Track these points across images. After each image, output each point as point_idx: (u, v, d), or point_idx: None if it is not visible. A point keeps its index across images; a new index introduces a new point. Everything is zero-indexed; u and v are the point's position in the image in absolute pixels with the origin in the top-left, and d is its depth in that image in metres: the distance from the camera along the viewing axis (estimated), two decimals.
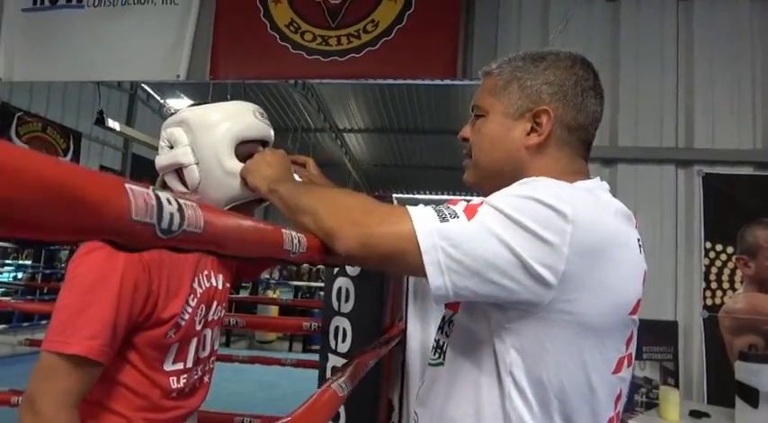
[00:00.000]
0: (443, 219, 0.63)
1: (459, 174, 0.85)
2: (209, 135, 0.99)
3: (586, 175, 0.77)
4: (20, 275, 7.76)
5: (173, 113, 1.07)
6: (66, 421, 0.81)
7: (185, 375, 1.01)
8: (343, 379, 0.85)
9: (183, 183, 1.02)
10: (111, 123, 4.81)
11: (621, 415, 0.77)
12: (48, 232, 0.27)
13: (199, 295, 1.01)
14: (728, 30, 2.34)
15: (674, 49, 2.38)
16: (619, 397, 0.73)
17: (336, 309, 1.40)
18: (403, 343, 1.34)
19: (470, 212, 0.63)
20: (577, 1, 2.44)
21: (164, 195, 0.34)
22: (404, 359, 1.33)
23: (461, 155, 0.84)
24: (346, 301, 1.38)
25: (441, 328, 0.82)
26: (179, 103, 8.13)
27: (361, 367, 0.96)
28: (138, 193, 0.31)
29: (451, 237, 0.62)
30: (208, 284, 1.05)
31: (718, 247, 2.21)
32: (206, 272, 1.05)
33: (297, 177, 0.99)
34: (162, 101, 8.51)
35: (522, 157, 0.75)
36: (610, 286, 0.66)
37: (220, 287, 1.10)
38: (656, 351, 2.11)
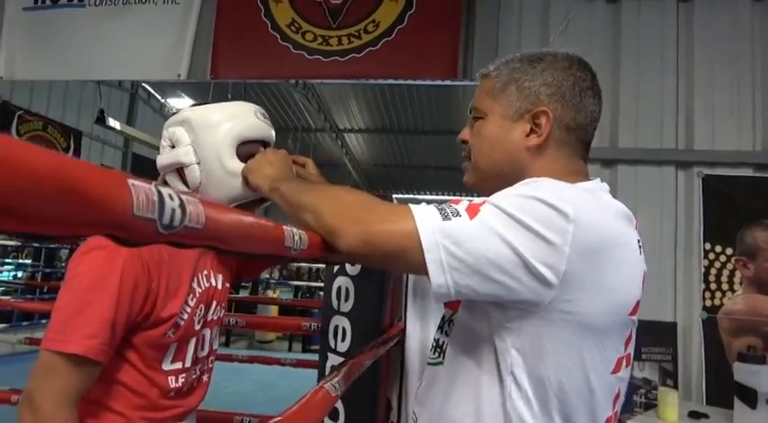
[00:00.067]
0: (446, 217, 0.63)
1: (459, 174, 0.86)
2: (211, 135, 0.99)
3: (586, 176, 0.77)
4: (20, 274, 7.77)
5: (175, 113, 1.07)
6: (65, 420, 0.82)
7: (184, 375, 1.01)
8: (336, 379, 0.85)
9: (184, 182, 1.02)
10: (112, 122, 4.82)
11: (620, 415, 0.77)
12: (50, 226, 0.27)
13: (198, 295, 1.01)
14: (729, 31, 2.34)
15: (675, 51, 2.39)
16: (617, 397, 0.74)
17: (336, 308, 1.40)
18: (402, 342, 1.34)
19: (473, 211, 0.63)
20: (578, 2, 2.44)
21: (165, 191, 0.34)
22: (403, 358, 1.33)
23: (461, 155, 0.84)
24: (346, 300, 1.38)
25: (440, 328, 0.82)
26: (180, 103, 8.14)
27: (357, 367, 0.96)
28: (140, 188, 0.32)
29: (454, 235, 0.62)
30: (207, 284, 1.05)
31: (718, 249, 2.21)
32: (205, 272, 1.05)
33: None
34: (163, 100, 8.51)
35: (522, 159, 0.76)
36: (610, 286, 0.66)
37: (220, 287, 1.10)
38: (655, 352, 2.11)
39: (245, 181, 0.98)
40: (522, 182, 0.69)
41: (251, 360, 3.24)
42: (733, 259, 2.19)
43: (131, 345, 0.93)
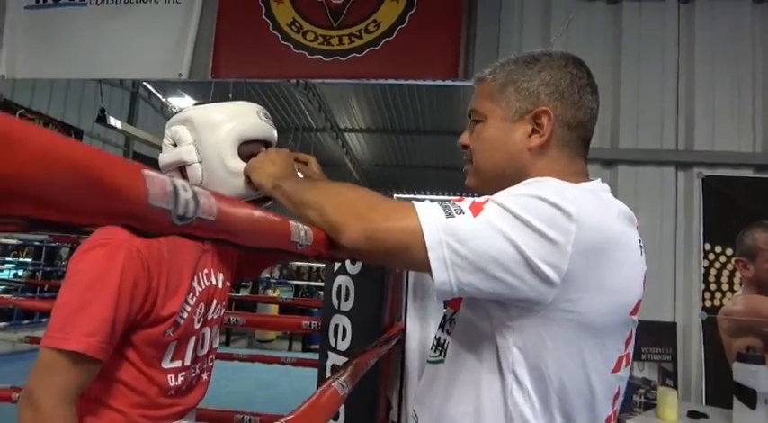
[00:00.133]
0: (449, 215, 0.63)
1: (459, 174, 0.86)
2: (213, 134, 1.00)
3: (586, 176, 0.78)
4: (20, 273, 7.78)
5: (177, 112, 1.07)
6: (64, 417, 0.82)
7: (183, 373, 1.02)
8: (343, 378, 0.85)
9: (186, 181, 1.03)
10: (113, 121, 4.82)
11: (619, 414, 0.78)
12: (67, 213, 0.27)
13: (198, 294, 1.01)
14: (729, 33, 2.35)
15: (675, 52, 2.39)
16: (617, 396, 0.74)
17: (336, 307, 1.40)
18: (402, 341, 1.35)
19: (476, 209, 0.64)
20: (579, 3, 2.45)
21: (179, 182, 0.34)
22: (403, 358, 1.33)
23: (462, 155, 0.84)
24: (346, 299, 1.38)
25: (442, 326, 0.83)
26: (181, 102, 8.14)
27: (362, 366, 0.96)
28: (154, 178, 0.32)
29: (457, 233, 0.62)
30: (207, 283, 1.05)
31: (718, 249, 2.21)
32: (206, 270, 1.06)
33: (299, 175, 0.99)
34: (164, 99, 8.52)
35: (525, 160, 0.76)
36: (612, 286, 0.66)
37: (220, 286, 1.11)
38: (654, 352, 2.11)
39: (248, 180, 0.98)
40: (526, 181, 0.69)
41: (251, 359, 3.24)
42: (733, 260, 2.19)
43: (131, 343, 0.93)
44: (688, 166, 2.31)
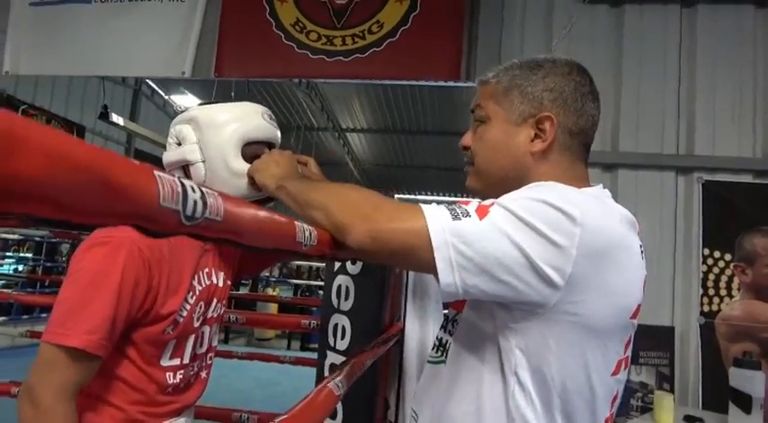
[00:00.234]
0: (456, 217, 0.64)
1: (461, 175, 0.86)
2: (217, 135, 1.01)
3: (587, 181, 0.78)
4: (20, 268, 7.78)
5: (183, 111, 1.08)
6: (64, 412, 0.83)
7: (182, 371, 1.02)
8: (339, 378, 0.86)
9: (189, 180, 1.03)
10: (115, 118, 4.83)
11: (616, 418, 0.78)
12: (82, 215, 0.27)
13: (198, 293, 1.02)
14: (731, 37, 2.35)
15: (677, 56, 2.39)
16: (615, 398, 0.75)
17: (336, 306, 1.41)
18: (401, 342, 1.35)
19: (482, 212, 0.64)
20: (581, 6, 2.45)
21: (188, 183, 0.35)
22: (401, 358, 1.34)
23: (463, 156, 0.85)
24: (346, 298, 1.39)
25: (444, 327, 0.83)
26: (183, 100, 8.15)
27: (358, 367, 0.97)
28: (165, 180, 0.32)
29: (463, 235, 0.63)
30: (208, 282, 1.06)
31: (717, 254, 2.22)
32: (207, 269, 1.06)
33: None
34: (166, 97, 8.52)
35: (527, 164, 0.77)
36: (614, 290, 0.67)
37: (221, 284, 1.11)
38: (652, 356, 2.12)
39: (252, 180, 0.99)
40: (530, 185, 0.70)
41: (250, 357, 3.24)
42: (731, 265, 2.20)
43: (131, 340, 0.94)
44: (688, 171, 2.31)
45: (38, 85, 6.33)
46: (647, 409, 2.01)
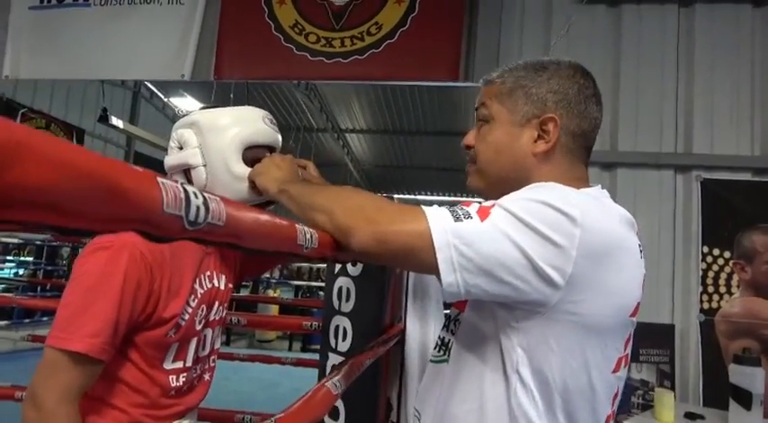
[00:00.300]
0: (457, 219, 0.65)
1: (460, 175, 0.87)
2: (218, 138, 1.01)
3: (587, 182, 0.79)
4: (21, 272, 7.79)
5: (184, 115, 1.09)
6: (67, 415, 0.83)
7: (184, 374, 1.03)
8: (337, 378, 0.86)
9: (190, 183, 1.04)
10: (115, 121, 4.83)
11: (617, 415, 0.79)
12: (88, 221, 0.28)
13: (200, 296, 1.02)
14: (729, 37, 2.36)
15: (675, 56, 2.40)
16: (615, 396, 0.76)
17: (337, 308, 1.41)
18: (402, 342, 1.36)
19: (483, 214, 0.65)
20: (579, 7, 2.46)
21: (190, 189, 0.36)
22: (402, 358, 1.34)
23: (463, 156, 0.85)
24: (347, 300, 1.39)
25: (446, 326, 0.84)
26: (182, 102, 8.16)
27: (357, 366, 0.97)
28: (169, 186, 0.33)
29: (465, 236, 0.63)
30: (210, 285, 1.06)
31: (716, 252, 2.23)
32: (208, 272, 1.07)
33: None
34: (165, 99, 8.53)
35: (529, 164, 0.77)
36: (613, 289, 0.68)
37: (222, 287, 1.12)
38: (652, 354, 2.13)
39: (252, 184, 0.99)
40: (530, 186, 0.71)
41: (251, 359, 3.25)
42: (731, 262, 2.20)
43: (133, 344, 0.94)
44: (687, 169, 2.32)
45: (37, 88, 6.33)
46: (647, 406, 2.02)
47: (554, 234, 0.62)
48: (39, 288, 7.03)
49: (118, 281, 0.87)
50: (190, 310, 1.00)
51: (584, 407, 0.70)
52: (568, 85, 0.78)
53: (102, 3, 2.86)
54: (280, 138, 1.10)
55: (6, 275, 7.46)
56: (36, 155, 0.24)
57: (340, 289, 1.42)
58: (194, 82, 2.80)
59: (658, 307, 2.22)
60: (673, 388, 2.08)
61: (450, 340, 0.81)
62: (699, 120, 2.34)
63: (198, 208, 0.36)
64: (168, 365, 1.00)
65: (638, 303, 0.74)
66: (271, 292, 9.14)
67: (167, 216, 0.33)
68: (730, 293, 2.19)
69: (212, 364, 1.16)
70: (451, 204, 0.68)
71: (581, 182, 0.77)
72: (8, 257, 7.82)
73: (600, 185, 0.79)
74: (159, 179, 0.33)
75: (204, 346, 1.09)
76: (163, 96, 8.48)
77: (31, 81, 5.59)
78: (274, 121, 1.10)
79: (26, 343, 3.06)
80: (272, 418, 0.66)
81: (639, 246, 0.75)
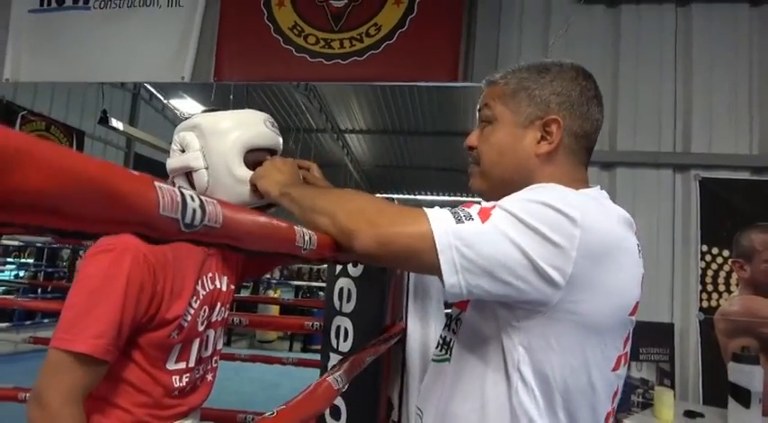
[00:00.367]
0: (459, 220, 0.65)
1: (460, 175, 0.88)
2: (220, 142, 1.02)
3: (587, 183, 0.80)
4: (21, 274, 7.79)
5: (186, 118, 1.10)
6: (71, 415, 0.84)
7: (187, 374, 1.03)
8: (339, 373, 0.87)
9: (192, 186, 1.05)
10: (115, 123, 4.85)
11: (617, 414, 0.80)
12: (86, 224, 0.29)
13: (202, 297, 1.03)
14: (727, 36, 2.37)
15: (673, 55, 2.41)
16: (615, 393, 0.77)
17: (338, 308, 1.42)
18: (403, 342, 1.37)
19: (484, 215, 0.66)
20: (578, 7, 2.47)
21: (187, 193, 0.37)
22: (404, 358, 1.35)
23: (463, 156, 0.86)
24: (348, 301, 1.40)
25: (447, 326, 0.85)
26: (182, 103, 8.16)
27: (358, 363, 0.98)
28: (165, 190, 0.34)
29: (466, 237, 0.64)
30: (212, 287, 1.07)
31: (715, 251, 2.23)
32: (210, 274, 1.08)
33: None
34: (165, 101, 8.53)
35: (532, 165, 0.78)
36: (613, 289, 0.69)
37: (224, 289, 1.13)
38: (652, 352, 2.13)
39: (253, 187, 1.00)
40: (530, 187, 0.72)
41: (253, 359, 3.26)
42: (729, 261, 2.21)
43: (137, 345, 0.95)
44: (685, 169, 2.33)
45: (37, 90, 6.33)
46: (647, 405, 2.02)
47: (554, 235, 0.63)
48: (39, 290, 7.04)
49: (121, 283, 0.88)
50: (192, 312, 1.01)
51: (585, 405, 0.71)
52: (571, 86, 0.78)
53: (102, 5, 2.86)
54: (281, 140, 1.11)
55: (7, 278, 7.47)
56: (35, 160, 0.24)
57: (341, 290, 1.43)
58: (194, 83, 2.81)
59: (658, 306, 2.23)
60: (672, 386, 2.08)
61: (451, 340, 0.82)
62: (697, 119, 2.35)
63: (194, 211, 0.37)
64: (171, 366, 1.01)
65: (638, 302, 0.75)
66: (271, 293, 9.15)
67: (163, 218, 0.34)
68: (729, 292, 2.20)
69: (215, 365, 1.16)
70: (452, 205, 0.69)
71: (581, 183, 0.78)
72: (8, 259, 7.83)
73: (599, 186, 0.80)
74: (156, 183, 0.34)
75: (207, 347, 1.10)
76: (162, 98, 8.48)
77: (31, 83, 5.58)
78: (275, 123, 1.10)
79: (27, 345, 3.07)
80: (274, 410, 0.67)
81: (638, 245, 0.75)
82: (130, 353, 0.95)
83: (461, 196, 10.85)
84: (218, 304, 1.11)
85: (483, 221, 0.65)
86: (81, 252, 7.42)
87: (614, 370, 0.73)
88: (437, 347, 0.87)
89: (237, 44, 2.70)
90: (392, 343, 1.30)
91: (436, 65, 2.50)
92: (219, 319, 1.13)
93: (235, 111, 1.08)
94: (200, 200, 0.38)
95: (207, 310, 1.06)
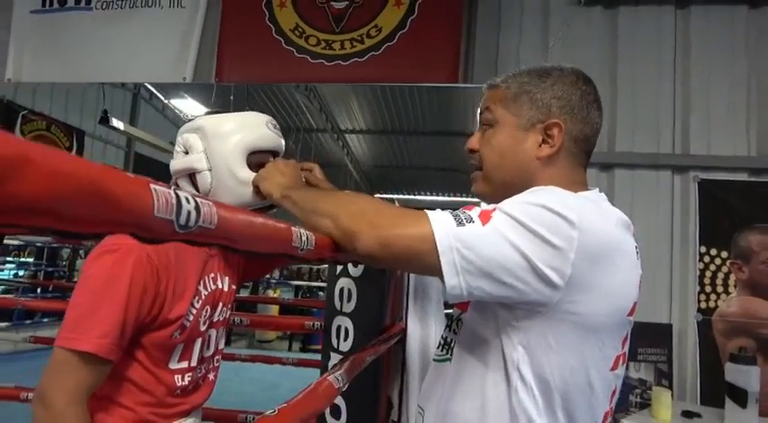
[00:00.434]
0: (460, 223, 0.67)
1: (460, 175, 0.90)
2: (223, 144, 1.03)
3: (586, 185, 0.81)
4: (20, 273, 7.80)
5: (190, 120, 1.11)
6: (76, 414, 0.85)
7: (190, 373, 1.05)
8: (339, 372, 0.89)
9: (196, 187, 1.06)
10: (116, 123, 4.85)
11: (616, 414, 0.81)
12: (82, 225, 0.30)
13: (204, 297, 1.04)
14: (725, 38, 2.38)
15: (672, 57, 2.42)
16: (614, 393, 0.78)
17: (339, 308, 1.43)
18: (403, 341, 1.38)
19: (485, 218, 0.67)
20: (577, 9, 2.48)
21: (183, 194, 0.38)
22: (404, 357, 1.36)
23: (462, 156, 0.87)
24: (348, 300, 1.41)
25: (449, 326, 0.86)
26: (182, 103, 8.15)
27: (358, 362, 0.99)
28: (161, 192, 0.35)
29: (467, 240, 0.66)
30: (213, 287, 1.08)
31: (713, 252, 2.24)
32: (212, 274, 1.09)
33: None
34: (165, 100, 8.53)
35: (533, 168, 0.79)
36: (611, 290, 0.70)
37: (226, 289, 1.14)
38: (650, 353, 2.14)
39: (256, 189, 1.01)
40: (530, 190, 0.73)
41: (253, 359, 3.27)
42: (728, 262, 2.22)
43: (140, 345, 0.96)
44: (684, 170, 2.34)
45: (37, 90, 6.33)
46: (645, 405, 2.03)
47: (553, 237, 0.64)
48: (39, 289, 7.04)
49: (125, 283, 0.89)
50: (194, 312, 1.02)
51: (583, 404, 0.72)
52: (572, 91, 0.80)
53: (104, 6, 2.87)
54: (283, 142, 1.12)
55: (6, 277, 7.47)
56: (34, 166, 0.25)
57: (341, 290, 1.44)
58: (195, 83, 2.83)
59: (656, 307, 2.24)
60: (670, 387, 2.09)
61: (452, 340, 0.83)
62: (696, 120, 2.35)
63: (189, 212, 0.38)
64: (174, 365, 1.02)
65: (635, 303, 0.76)
66: (271, 293, 9.16)
67: (158, 220, 0.35)
68: (727, 293, 2.21)
69: (216, 364, 1.18)
70: (452, 205, 0.70)
71: (581, 185, 0.80)
72: (8, 258, 7.83)
73: (598, 188, 0.81)
74: (152, 186, 0.35)
75: (209, 347, 1.11)
76: (163, 98, 8.48)
77: (32, 83, 5.58)
78: (277, 125, 1.12)
79: (27, 344, 3.08)
80: (276, 408, 0.68)
81: (636, 247, 0.77)
82: (134, 352, 0.96)
83: (461, 196, 10.86)
84: (220, 304, 1.12)
85: (483, 224, 0.66)
86: (81, 251, 7.43)
87: (612, 370, 0.74)
88: (438, 347, 0.88)
89: (239, 45, 2.71)
90: (392, 343, 1.31)
91: (436, 66, 2.51)
92: (221, 318, 1.14)
93: (238, 113, 1.09)
94: (196, 201, 0.39)
95: (209, 310, 1.07)
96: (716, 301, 2.21)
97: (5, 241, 6.62)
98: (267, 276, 9.11)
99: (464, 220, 0.67)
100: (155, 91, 8.29)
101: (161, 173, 1.11)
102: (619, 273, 0.71)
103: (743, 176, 2.29)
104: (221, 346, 1.18)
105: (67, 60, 2.87)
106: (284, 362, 3.08)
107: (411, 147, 9.08)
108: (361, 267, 1.41)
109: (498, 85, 0.84)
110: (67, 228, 0.29)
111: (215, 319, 1.11)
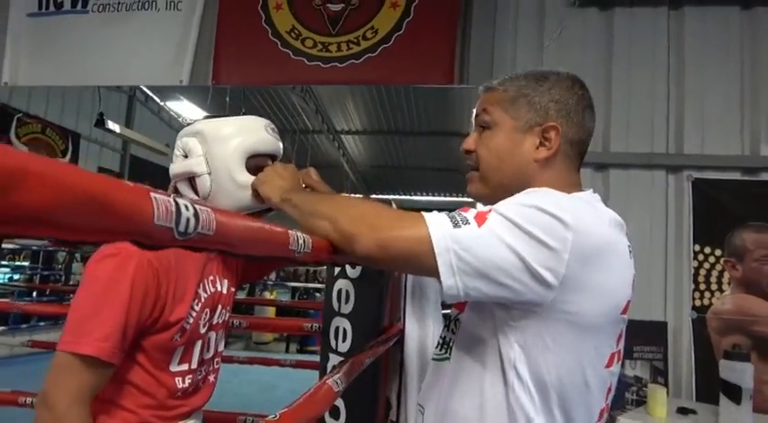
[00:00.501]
0: (456, 225, 0.68)
1: (456, 175, 0.91)
2: (222, 147, 1.04)
3: (580, 187, 0.83)
4: (16, 277, 7.76)
5: (189, 123, 1.12)
6: (79, 416, 0.86)
7: (190, 376, 1.05)
8: (339, 375, 0.89)
9: (195, 191, 1.07)
10: (112, 125, 4.84)
11: (612, 411, 0.83)
12: (83, 234, 0.31)
13: (203, 300, 1.05)
14: (718, 39, 2.40)
15: (666, 57, 2.44)
16: (609, 390, 0.80)
17: (337, 310, 1.44)
18: (401, 342, 1.39)
19: (480, 219, 0.68)
20: (572, 10, 2.49)
21: (182, 202, 0.39)
22: (402, 358, 1.37)
23: (458, 157, 0.88)
24: (346, 302, 1.42)
25: (447, 326, 0.88)
26: (178, 106, 8.14)
27: (357, 365, 1.00)
28: (160, 200, 0.36)
29: (463, 241, 0.67)
30: (213, 289, 1.09)
31: (707, 250, 2.26)
32: (211, 277, 1.10)
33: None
34: (161, 103, 8.51)
35: (530, 170, 0.81)
36: (604, 289, 0.71)
37: (225, 292, 1.15)
38: (646, 351, 2.16)
39: (255, 192, 1.02)
40: (525, 191, 0.74)
41: (250, 361, 3.27)
42: (722, 260, 2.24)
43: (141, 347, 0.97)
44: (678, 169, 2.36)
45: (32, 93, 6.31)
46: (641, 402, 2.05)
47: (547, 238, 0.66)
48: (35, 293, 7.01)
49: (126, 287, 0.90)
50: (194, 314, 1.03)
51: (579, 402, 0.73)
52: (568, 95, 0.81)
53: (100, 9, 2.87)
54: (281, 146, 1.13)
55: (2, 280, 7.43)
56: (35, 177, 0.26)
57: (339, 291, 1.45)
58: (191, 86, 2.83)
59: (651, 305, 2.26)
60: (666, 384, 2.11)
61: (451, 339, 0.84)
62: (689, 120, 2.37)
63: (188, 219, 0.39)
64: (174, 368, 1.03)
65: (629, 302, 0.78)
66: (268, 294, 9.14)
67: (158, 228, 0.36)
68: (721, 291, 2.23)
69: (216, 366, 1.18)
70: (448, 205, 0.72)
71: (575, 187, 0.81)
72: (3, 262, 7.79)
73: (592, 189, 0.83)
74: (152, 194, 0.36)
75: (208, 349, 1.12)
76: (158, 100, 8.46)
77: (27, 86, 5.56)
78: (276, 129, 1.13)
79: (23, 348, 3.07)
80: (277, 413, 0.69)
81: (629, 247, 0.78)
82: (135, 355, 0.97)
83: (457, 196, 10.88)
84: (219, 307, 1.13)
85: (479, 225, 0.68)
86: (77, 255, 7.40)
87: (608, 367, 0.76)
88: (437, 347, 0.89)
89: (235, 47, 2.71)
90: (390, 344, 1.32)
91: (432, 67, 2.52)
92: (221, 321, 1.15)
93: (236, 117, 1.10)
94: (195, 209, 0.40)
95: (208, 313, 1.08)
96: (710, 299, 2.23)
97: (1, 245, 6.59)
98: (264, 278, 9.10)
99: (460, 222, 0.68)
100: (150, 93, 8.27)
101: (156, 175, 1.11)
102: (613, 272, 0.72)
103: (736, 175, 2.31)
104: (221, 348, 1.19)
105: (64, 63, 2.87)
106: (282, 364, 3.08)
107: (407, 147, 9.09)
108: (359, 269, 1.42)
109: (495, 87, 0.85)
110: (68, 237, 0.30)
111: (214, 322, 1.12)
